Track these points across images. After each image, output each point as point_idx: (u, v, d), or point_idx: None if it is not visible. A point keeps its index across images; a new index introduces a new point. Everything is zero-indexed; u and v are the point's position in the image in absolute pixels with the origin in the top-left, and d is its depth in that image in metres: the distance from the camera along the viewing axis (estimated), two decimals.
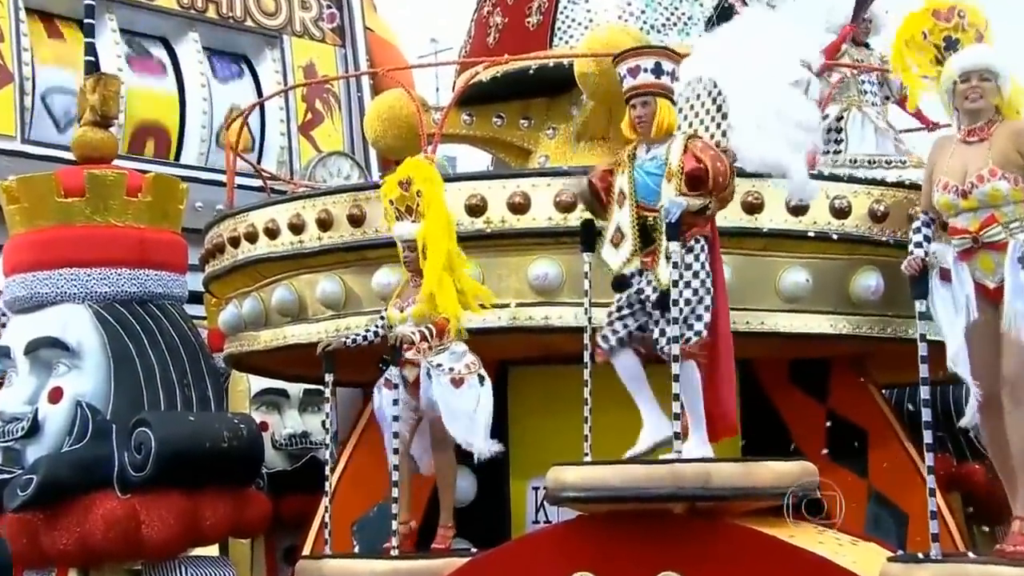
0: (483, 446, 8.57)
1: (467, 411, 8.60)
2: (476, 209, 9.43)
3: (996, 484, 8.02)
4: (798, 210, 9.29)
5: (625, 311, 8.00)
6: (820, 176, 9.34)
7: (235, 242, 10.64)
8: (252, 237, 10.43)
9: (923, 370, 7.46)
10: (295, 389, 12.97)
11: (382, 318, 9.04)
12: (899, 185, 9.74)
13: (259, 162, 15.48)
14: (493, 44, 11.62)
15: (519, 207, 9.40)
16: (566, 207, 9.27)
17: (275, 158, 16.88)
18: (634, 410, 8.07)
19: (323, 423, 12.87)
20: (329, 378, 9.04)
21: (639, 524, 7.66)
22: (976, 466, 12.89)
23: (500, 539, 9.47)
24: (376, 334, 9.03)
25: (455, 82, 12.03)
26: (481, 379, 8.72)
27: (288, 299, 10.29)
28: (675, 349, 7.61)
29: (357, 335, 9.10)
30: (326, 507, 9.15)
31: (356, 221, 9.79)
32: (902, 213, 9.47)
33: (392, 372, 8.75)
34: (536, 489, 10.19)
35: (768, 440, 10.13)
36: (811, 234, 9.38)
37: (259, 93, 16.30)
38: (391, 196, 8.97)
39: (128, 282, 9.77)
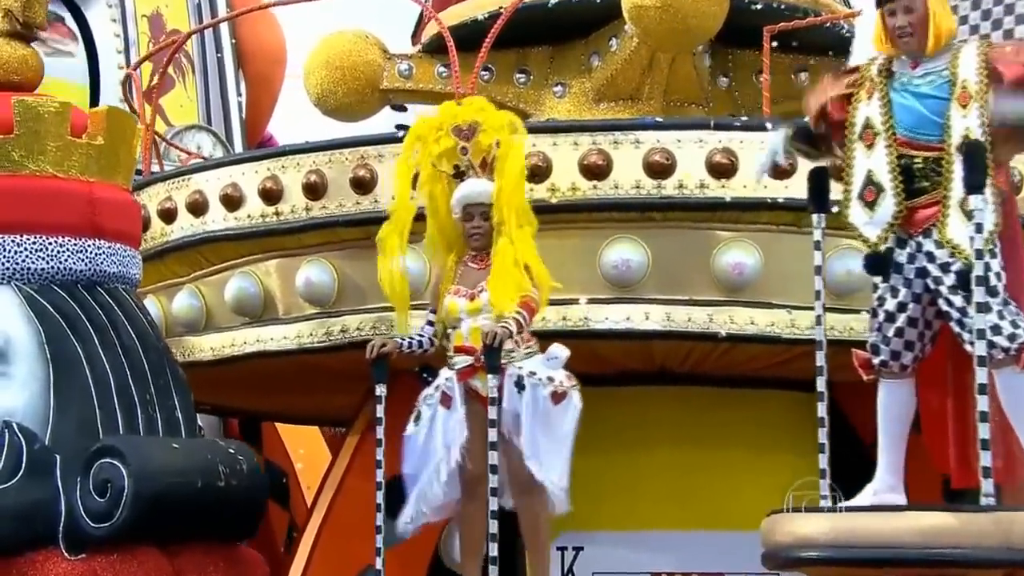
0: (563, 491, 6.62)
1: (564, 437, 6.61)
2: (537, 172, 7.43)
3: None
4: None
5: (912, 308, 5.83)
6: None
7: (168, 215, 8.45)
8: (198, 208, 8.28)
9: None
10: None
11: (433, 312, 6.88)
12: None
13: None
14: None
15: (597, 170, 7.45)
16: (660, 171, 7.37)
17: None
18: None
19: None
20: (381, 390, 6.66)
21: None
22: None
23: None
24: (432, 340, 6.90)
25: (420, 16, 9.66)
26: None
27: (250, 291, 8.21)
28: (980, 348, 5.51)
29: (412, 338, 6.86)
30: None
31: (363, 186, 7.73)
32: None
33: (448, 383, 6.67)
34: (562, 550, 8.13)
35: (849, 476, 8.12)
36: None
37: (90, 48, 13.41)
38: (443, 148, 6.84)
39: (73, 256, 7.02)
